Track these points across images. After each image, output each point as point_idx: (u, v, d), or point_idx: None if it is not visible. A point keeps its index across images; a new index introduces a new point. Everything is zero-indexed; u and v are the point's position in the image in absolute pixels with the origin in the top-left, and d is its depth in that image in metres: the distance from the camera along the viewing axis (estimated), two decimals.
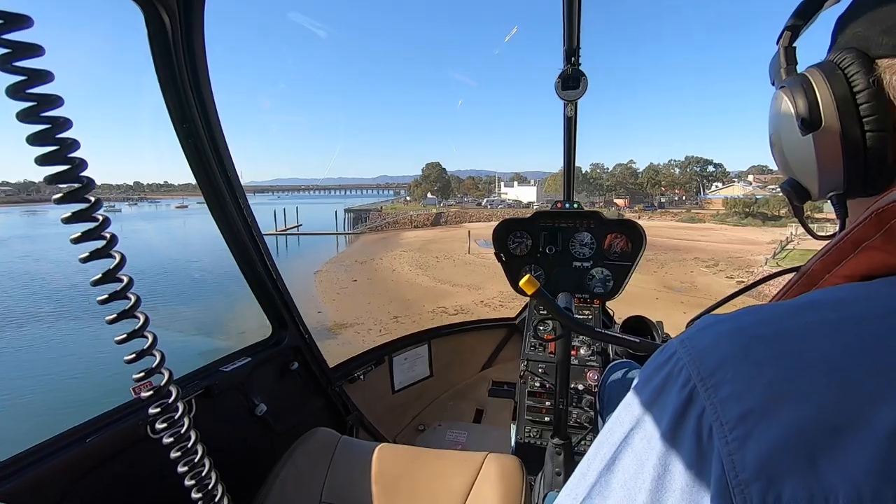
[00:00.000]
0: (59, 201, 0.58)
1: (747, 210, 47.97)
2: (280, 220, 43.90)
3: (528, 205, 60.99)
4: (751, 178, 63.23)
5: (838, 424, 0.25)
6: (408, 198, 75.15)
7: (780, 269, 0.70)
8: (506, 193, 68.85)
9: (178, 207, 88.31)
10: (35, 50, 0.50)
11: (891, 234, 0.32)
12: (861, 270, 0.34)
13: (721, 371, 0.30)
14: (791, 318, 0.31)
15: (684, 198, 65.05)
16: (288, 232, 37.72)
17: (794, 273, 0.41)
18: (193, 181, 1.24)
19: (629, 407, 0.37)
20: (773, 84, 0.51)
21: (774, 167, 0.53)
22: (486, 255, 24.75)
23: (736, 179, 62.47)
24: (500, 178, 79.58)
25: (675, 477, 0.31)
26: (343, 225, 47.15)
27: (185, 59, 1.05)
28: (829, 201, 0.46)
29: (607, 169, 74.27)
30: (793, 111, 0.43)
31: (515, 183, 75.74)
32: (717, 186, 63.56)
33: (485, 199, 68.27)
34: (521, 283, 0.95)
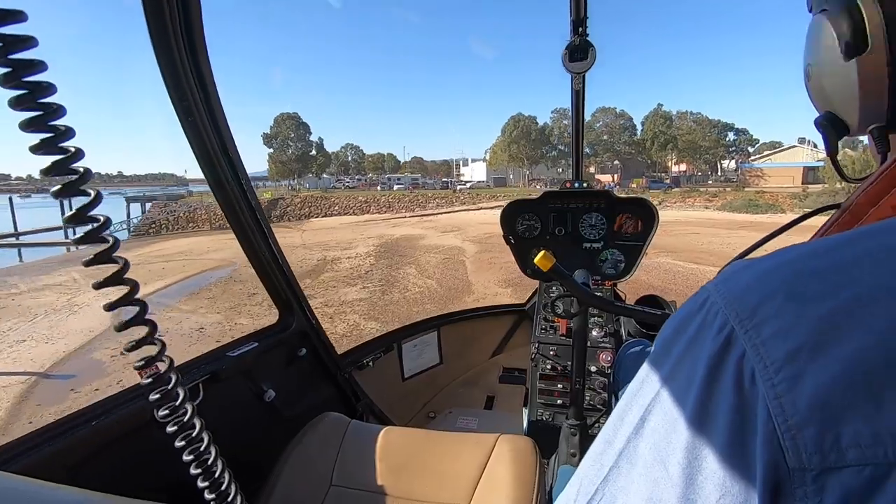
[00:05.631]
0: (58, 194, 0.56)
1: None
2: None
3: (467, 183, 51.44)
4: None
5: None
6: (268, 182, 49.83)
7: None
8: (463, 175, 61.33)
9: None
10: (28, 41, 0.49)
11: None
12: None
13: (763, 309, 0.26)
14: (844, 249, 0.27)
15: (699, 173, 46.83)
16: None
17: (834, 210, 0.37)
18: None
19: (656, 365, 0.32)
20: (810, 11, 0.46)
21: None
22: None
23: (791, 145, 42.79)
24: (457, 160, 69.69)
25: (713, 434, 0.26)
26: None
27: (180, 24, 0.99)
28: (868, 135, 0.42)
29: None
30: (835, 34, 0.40)
31: (469, 160, 64.88)
32: (736, 161, 45.48)
33: (387, 176, 55.38)
34: (536, 259, 0.97)
